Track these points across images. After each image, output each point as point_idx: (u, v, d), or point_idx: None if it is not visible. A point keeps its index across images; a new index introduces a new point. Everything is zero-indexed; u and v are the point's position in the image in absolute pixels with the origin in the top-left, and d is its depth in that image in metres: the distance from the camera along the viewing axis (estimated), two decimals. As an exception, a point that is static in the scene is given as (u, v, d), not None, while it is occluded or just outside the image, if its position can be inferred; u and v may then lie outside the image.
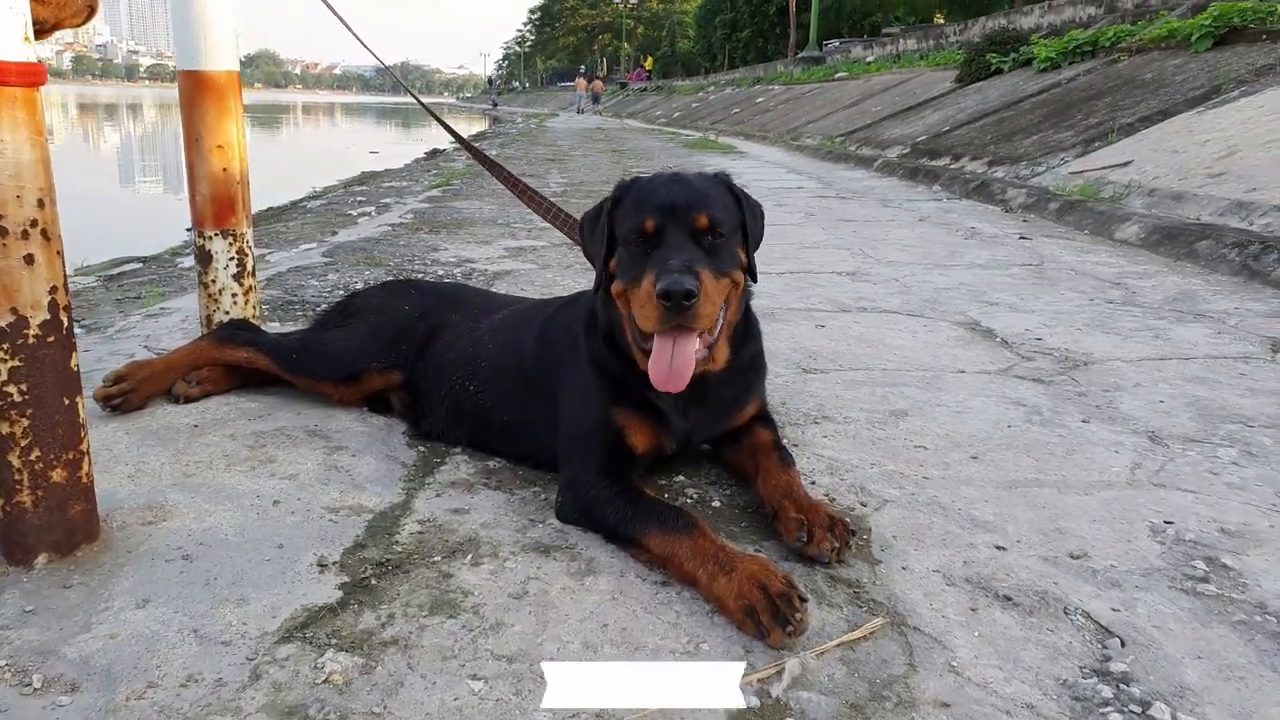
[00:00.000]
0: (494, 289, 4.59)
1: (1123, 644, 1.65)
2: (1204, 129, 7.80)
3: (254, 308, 2.82)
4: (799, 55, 35.35)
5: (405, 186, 10.21)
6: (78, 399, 1.77)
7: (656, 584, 1.81)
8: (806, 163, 14.27)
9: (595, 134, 24.47)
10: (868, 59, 27.44)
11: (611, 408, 2.14)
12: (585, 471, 2.05)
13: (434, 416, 2.52)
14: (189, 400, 2.55)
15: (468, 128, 40.52)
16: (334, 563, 1.87)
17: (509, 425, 2.38)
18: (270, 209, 9.48)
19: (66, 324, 1.72)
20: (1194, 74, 9.65)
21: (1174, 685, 1.54)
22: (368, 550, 1.93)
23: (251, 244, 2.78)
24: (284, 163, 21.35)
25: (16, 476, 1.71)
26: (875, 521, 2.12)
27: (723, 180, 2.18)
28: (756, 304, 4.40)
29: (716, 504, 2.19)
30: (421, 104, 3.17)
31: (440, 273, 4.94)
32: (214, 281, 2.72)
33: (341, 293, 4.35)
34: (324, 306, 3.07)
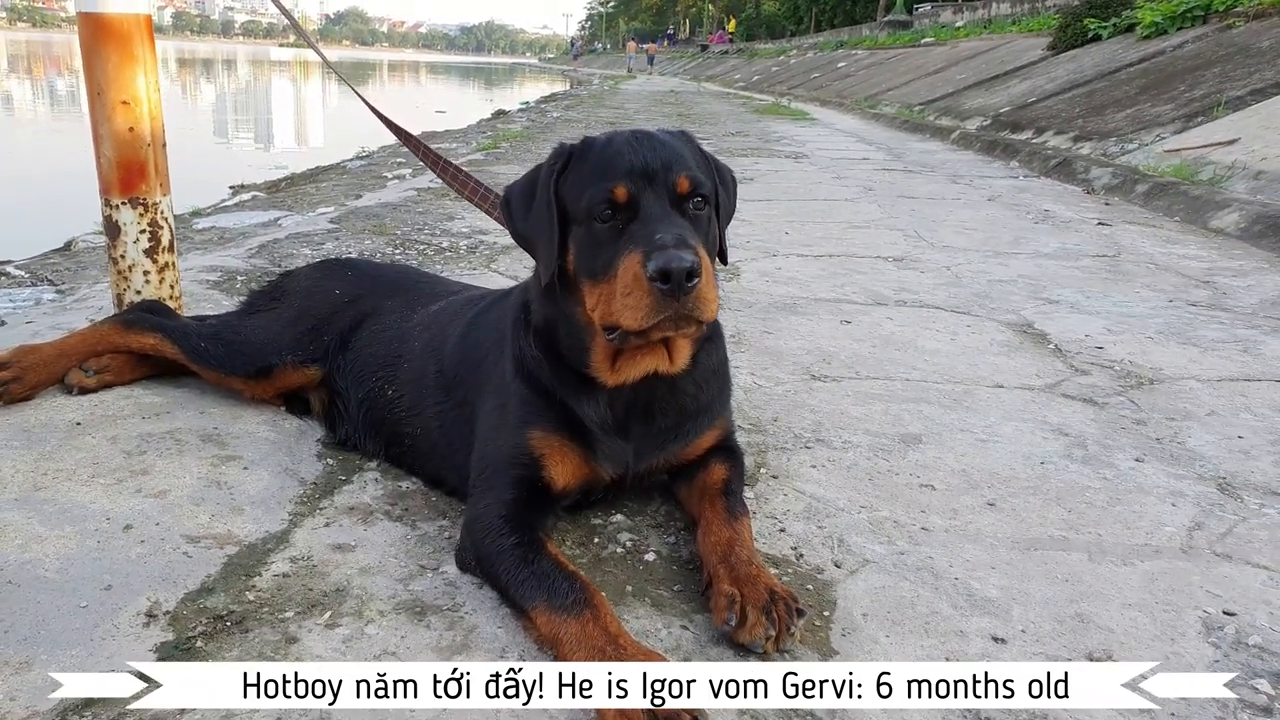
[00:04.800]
0: (496, 262, 4.24)
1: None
2: (1324, 105, 6.91)
3: (171, 287, 2.49)
4: (885, 19, 33.85)
5: (454, 149, 9.92)
6: None
7: (539, 672, 1.43)
8: (880, 132, 13.50)
9: (666, 97, 23.83)
10: (957, 24, 26.02)
11: (529, 429, 1.76)
12: (487, 512, 1.68)
13: (350, 422, 2.18)
14: (84, 391, 2.25)
15: (549, 88, 40.23)
16: (165, 613, 1.55)
17: (424, 441, 2.02)
18: (317, 168, 9.32)
19: None
20: (1318, 43, 8.64)
21: None
22: (214, 597, 1.60)
23: (169, 215, 2.44)
24: (352, 121, 21.33)
25: None
26: (845, 591, 1.70)
27: (690, 139, 1.80)
28: (778, 292, 4.01)
29: (650, 556, 1.79)
30: (326, 61, 2.79)
31: (445, 244, 4.60)
32: (123, 257, 2.39)
33: (330, 264, 4.05)
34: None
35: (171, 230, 2.45)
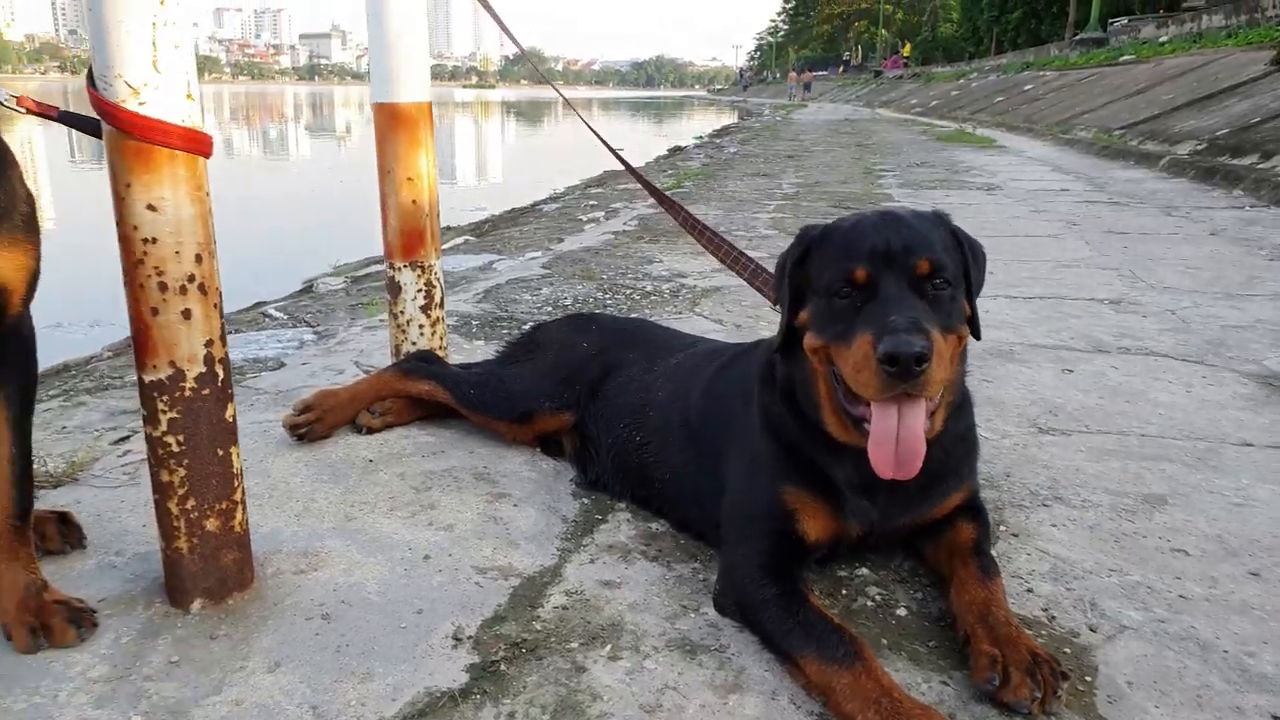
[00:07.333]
0: (699, 306, 4.42)
1: None
2: None
3: (440, 339, 2.80)
4: (1077, 37, 32.18)
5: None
6: (232, 450, 1.77)
7: (813, 715, 1.53)
8: (1076, 160, 12.86)
9: (841, 126, 23.65)
10: (1160, 39, 24.38)
11: (782, 485, 1.87)
12: (746, 562, 1.80)
13: (600, 464, 2.37)
14: (371, 431, 2.57)
15: (718, 120, 40.77)
16: (469, 637, 1.76)
17: (671, 486, 2.18)
18: (513, 210, 9.92)
19: (222, 377, 1.72)
20: None
21: None
22: (506, 625, 1.80)
23: (440, 275, 2.76)
24: (536, 160, 22.47)
25: (174, 523, 1.74)
26: (1105, 657, 1.70)
27: (942, 219, 1.85)
28: (991, 337, 3.95)
29: (902, 612, 1.86)
30: (569, 104, 3.05)
31: (649, 288, 4.82)
32: (402, 313, 2.73)
33: (550, 309, 4.35)
34: (515, 334, 3.02)
35: (442, 288, 2.77)
